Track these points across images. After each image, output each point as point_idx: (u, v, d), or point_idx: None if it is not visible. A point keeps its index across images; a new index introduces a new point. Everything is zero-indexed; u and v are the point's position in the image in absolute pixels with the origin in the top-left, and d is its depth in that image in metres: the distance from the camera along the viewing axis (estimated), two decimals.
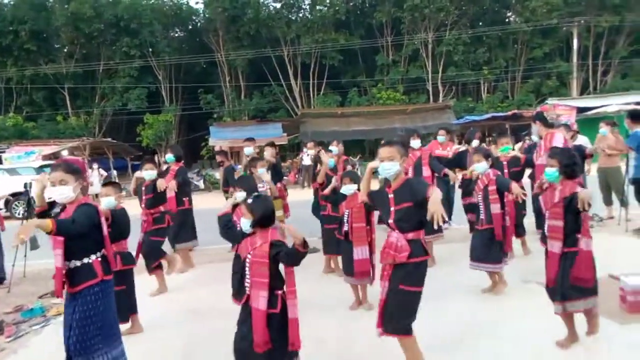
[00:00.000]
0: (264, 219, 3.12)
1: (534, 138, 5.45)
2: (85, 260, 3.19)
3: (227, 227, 3.42)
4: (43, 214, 3.28)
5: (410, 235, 3.31)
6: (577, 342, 3.79)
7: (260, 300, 3.00)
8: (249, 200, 3.17)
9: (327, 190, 5.69)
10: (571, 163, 3.69)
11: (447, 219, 3.15)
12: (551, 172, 3.74)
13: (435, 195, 3.05)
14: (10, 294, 6.47)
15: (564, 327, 3.79)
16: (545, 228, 3.79)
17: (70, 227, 3.00)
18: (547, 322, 4.03)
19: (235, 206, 3.71)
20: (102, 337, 3.20)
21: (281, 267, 3.10)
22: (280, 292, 3.08)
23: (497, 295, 5.08)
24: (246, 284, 3.11)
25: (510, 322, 4.38)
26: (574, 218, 3.61)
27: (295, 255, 2.91)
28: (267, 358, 3.00)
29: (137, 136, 30.88)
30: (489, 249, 5.05)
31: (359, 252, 4.78)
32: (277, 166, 7.98)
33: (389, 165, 3.36)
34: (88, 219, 3.12)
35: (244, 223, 3.16)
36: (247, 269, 3.11)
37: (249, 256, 3.11)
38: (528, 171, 6.62)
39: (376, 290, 4.84)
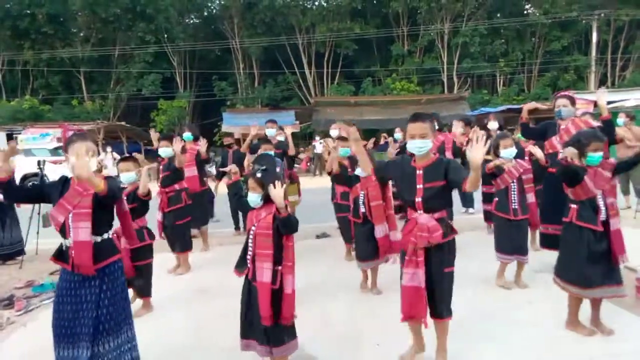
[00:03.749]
0: None
1: (564, 111, 5.20)
2: (106, 235, 3.08)
3: (240, 196, 3.38)
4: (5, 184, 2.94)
5: (437, 215, 3.17)
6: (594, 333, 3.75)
7: (264, 273, 3.01)
8: (259, 174, 3.16)
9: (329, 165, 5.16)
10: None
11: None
12: (601, 155, 3.63)
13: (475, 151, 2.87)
14: (22, 270, 6.56)
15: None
16: (603, 209, 3.66)
17: (117, 190, 2.96)
18: (560, 310, 3.98)
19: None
20: (127, 315, 3.17)
21: None
22: (280, 267, 3.07)
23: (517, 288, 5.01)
24: (248, 256, 3.14)
25: (522, 310, 4.34)
26: None
27: (285, 220, 2.98)
28: (268, 333, 3.05)
29: (151, 121, 30.97)
30: (525, 239, 4.96)
31: (380, 230, 4.70)
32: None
33: (421, 143, 3.12)
34: (120, 191, 3.09)
35: (253, 197, 3.16)
36: (250, 241, 3.15)
37: (253, 228, 3.14)
38: None
39: (383, 277, 4.87)
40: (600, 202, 3.66)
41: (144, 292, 4.71)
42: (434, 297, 3.21)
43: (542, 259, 5.48)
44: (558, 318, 3.95)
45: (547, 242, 5.19)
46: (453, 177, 3.08)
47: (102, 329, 2.98)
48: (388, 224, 4.79)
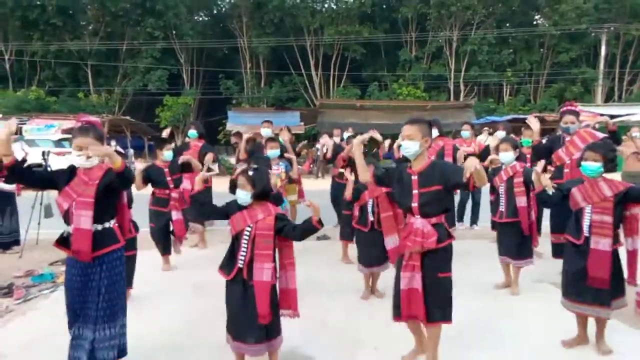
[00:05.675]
0: (265, 192, 3.16)
1: (572, 128, 5.26)
2: (107, 224, 3.11)
3: (202, 204, 3.44)
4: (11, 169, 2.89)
5: (434, 220, 3.16)
6: (586, 344, 3.72)
7: (264, 272, 3.02)
8: (250, 172, 3.15)
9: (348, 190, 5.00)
10: (614, 157, 3.54)
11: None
12: (595, 166, 3.49)
13: (470, 160, 2.89)
14: (21, 259, 6.55)
15: (572, 327, 3.74)
16: (585, 224, 3.54)
17: (132, 173, 3.04)
18: (556, 321, 3.99)
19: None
20: (123, 304, 3.19)
21: None
22: (273, 264, 3.11)
23: (509, 294, 4.99)
24: (240, 257, 3.11)
25: (517, 319, 4.32)
26: (620, 215, 3.48)
27: (310, 230, 3.04)
28: (264, 330, 3.05)
29: (155, 117, 31.13)
30: (520, 243, 4.89)
31: (390, 242, 4.61)
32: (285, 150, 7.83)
33: (407, 145, 3.18)
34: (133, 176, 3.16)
35: (243, 195, 3.14)
36: (244, 241, 3.11)
37: (248, 229, 3.10)
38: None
39: (385, 277, 4.85)
40: (586, 217, 3.55)
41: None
42: (427, 302, 3.17)
43: (542, 270, 5.47)
44: (556, 330, 3.91)
45: (555, 251, 5.27)
46: (453, 179, 3.06)
47: (101, 315, 3.02)
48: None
